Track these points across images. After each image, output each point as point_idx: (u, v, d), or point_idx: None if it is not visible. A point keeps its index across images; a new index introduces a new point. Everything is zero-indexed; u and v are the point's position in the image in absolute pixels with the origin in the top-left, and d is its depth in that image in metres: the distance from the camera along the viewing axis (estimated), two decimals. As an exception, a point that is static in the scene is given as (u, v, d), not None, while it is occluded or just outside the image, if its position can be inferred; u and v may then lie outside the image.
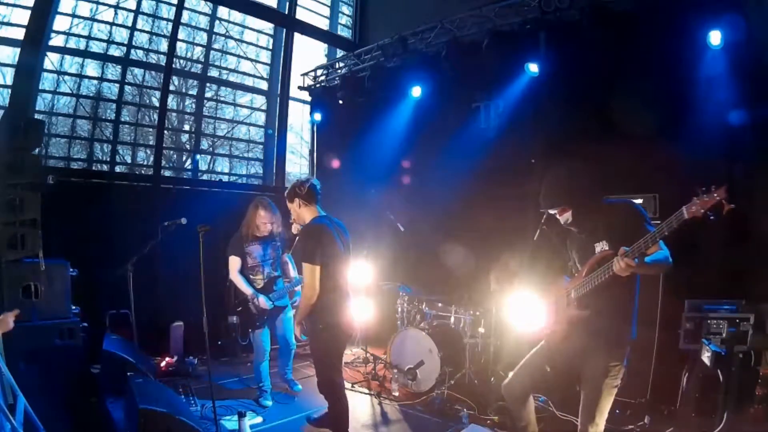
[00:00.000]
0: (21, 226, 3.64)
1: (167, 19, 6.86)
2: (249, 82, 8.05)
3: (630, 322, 2.39)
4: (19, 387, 2.76)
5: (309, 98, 7.51)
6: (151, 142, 7.11)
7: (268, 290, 4.10)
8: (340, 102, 6.57)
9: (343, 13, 8.84)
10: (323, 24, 8.51)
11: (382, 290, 5.50)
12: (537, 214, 3.05)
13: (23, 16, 5.52)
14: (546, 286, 2.68)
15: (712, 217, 2.02)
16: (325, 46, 8.88)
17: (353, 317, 3.22)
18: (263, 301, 4.01)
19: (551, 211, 2.51)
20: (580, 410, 2.42)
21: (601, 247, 2.36)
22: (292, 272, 4.37)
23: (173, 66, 6.79)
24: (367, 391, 4.52)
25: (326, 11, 8.61)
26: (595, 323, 2.37)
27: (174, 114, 7.92)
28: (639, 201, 3.97)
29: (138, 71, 7.08)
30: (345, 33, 8.81)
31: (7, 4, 5.59)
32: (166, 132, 7.08)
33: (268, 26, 8.01)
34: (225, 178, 8.12)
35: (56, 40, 6.14)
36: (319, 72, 7.22)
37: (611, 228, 2.33)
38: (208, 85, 7.76)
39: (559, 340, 2.51)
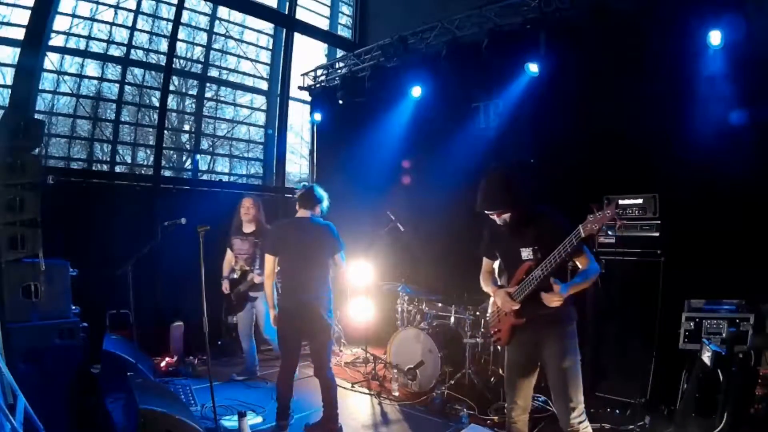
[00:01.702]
0: (21, 226, 3.63)
1: (167, 19, 6.86)
2: (249, 82, 8.05)
3: (569, 304, 2.50)
4: (19, 387, 2.76)
5: (309, 98, 7.51)
6: (151, 142, 7.10)
7: (239, 281, 4.60)
8: (340, 102, 6.57)
9: (343, 13, 8.84)
10: (323, 24, 8.51)
11: (382, 290, 5.50)
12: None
13: (23, 16, 5.51)
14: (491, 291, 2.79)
15: (609, 233, 2.21)
16: (325, 46, 8.87)
17: (298, 297, 3.43)
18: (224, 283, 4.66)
19: (489, 213, 2.59)
20: (554, 397, 2.51)
21: (527, 253, 2.51)
22: None
23: (173, 66, 6.78)
24: (367, 391, 4.52)
25: (326, 11, 8.61)
26: (537, 318, 2.51)
27: (174, 114, 7.92)
28: (639, 201, 4.00)
29: (138, 71, 7.08)
30: (345, 33, 8.81)
31: (7, 4, 5.59)
32: (166, 132, 7.07)
33: (268, 26, 8.00)
34: (225, 178, 8.11)
35: (56, 40, 6.14)
36: (319, 72, 7.22)
37: (540, 237, 2.46)
38: (208, 85, 7.76)
39: (504, 343, 2.71)
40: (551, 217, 2.53)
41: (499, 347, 2.78)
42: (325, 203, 3.67)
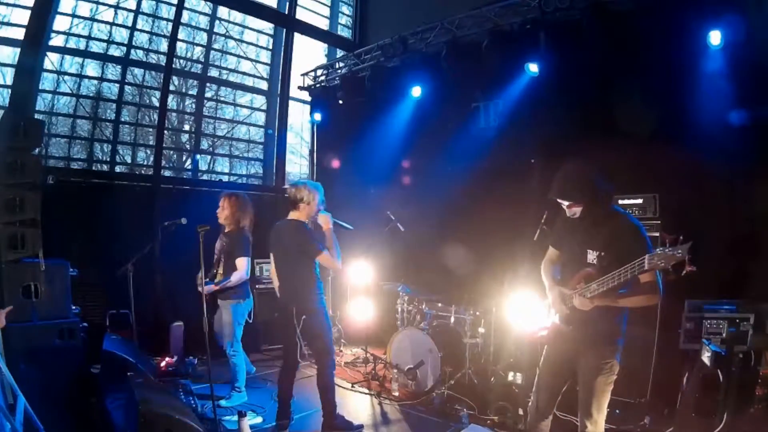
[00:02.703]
0: (21, 226, 3.64)
1: (167, 19, 6.86)
2: (249, 82, 8.05)
3: (617, 321, 2.40)
4: (19, 387, 2.76)
5: (309, 98, 7.51)
6: (151, 142, 7.11)
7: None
8: (340, 102, 6.57)
9: (343, 13, 8.84)
10: (323, 24, 8.51)
11: (382, 290, 5.50)
12: (537, 213, 3.05)
13: (23, 16, 5.52)
14: (546, 288, 2.66)
15: (671, 270, 2.09)
16: (325, 46, 8.88)
17: (283, 298, 3.57)
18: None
19: (562, 202, 2.42)
20: (579, 408, 2.44)
21: (592, 257, 2.35)
22: None
23: (173, 66, 6.78)
24: (367, 391, 4.52)
25: (326, 11, 8.62)
26: (582, 326, 2.40)
27: (174, 114, 7.91)
28: (639, 201, 3.99)
29: (138, 71, 7.08)
30: (345, 33, 8.81)
31: (7, 4, 5.59)
32: (166, 132, 7.07)
33: (268, 26, 8.01)
34: (225, 178, 8.11)
35: (56, 40, 6.14)
36: (319, 72, 7.22)
37: (610, 243, 2.30)
38: (208, 85, 7.76)
39: (546, 340, 2.61)
40: (628, 225, 2.33)
41: (539, 344, 2.69)
42: (311, 201, 3.45)
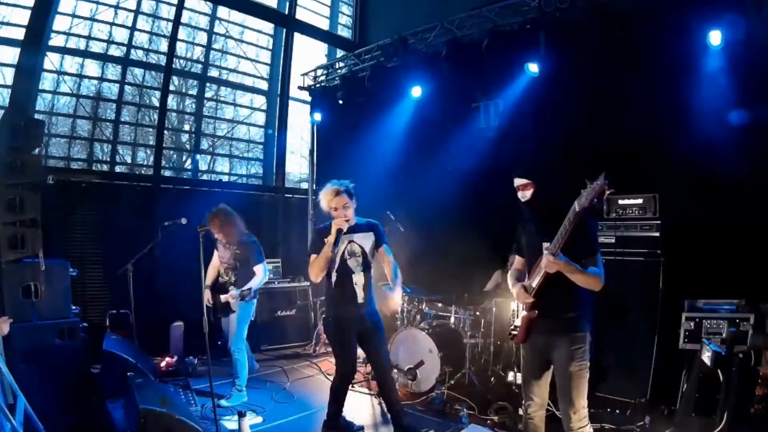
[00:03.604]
0: (21, 226, 3.64)
1: (167, 19, 6.86)
2: (249, 82, 8.06)
3: (582, 309, 2.51)
4: (19, 387, 2.76)
5: (309, 98, 7.51)
6: (151, 142, 7.11)
7: (221, 291, 4.20)
8: (340, 102, 6.57)
9: (343, 13, 8.85)
10: (323, 24, 8.52)
11: (382, 290, 5.49)
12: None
13: (23, 16, 5.52)
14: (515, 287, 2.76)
15: (597, 202, 2.22)
16: (325, 46, 8.88)
17: None
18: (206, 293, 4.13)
19: (518, 182, 2.62)
20: (559, 399, 2.52)
21: (547, 246, 2.47)
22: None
23: (173, 66, 6.79)
24: (367, 391, 4.52)
25: (326, 11, 8.62)
26: (549, 316, 2.52)
27: (174, 114, 7.92)
28: (639, 201, 4.00)
29: (138, 71, 7.08)
30: (345, 33, 8.81)
31: (7, 4, 5.59)
32: (166, 132, 7.07)
33: (268, 26, 8.01)
34: (225, 178, 8.11)
35: (56, 40, 6.14)
36: (319, 72, 7.22)
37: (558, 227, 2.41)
38: (208, 85, 7.76)
39: (519, 340, 2.71)
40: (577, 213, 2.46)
41: (514, 345, 2.77)
42: (322, 204, 3.52)
